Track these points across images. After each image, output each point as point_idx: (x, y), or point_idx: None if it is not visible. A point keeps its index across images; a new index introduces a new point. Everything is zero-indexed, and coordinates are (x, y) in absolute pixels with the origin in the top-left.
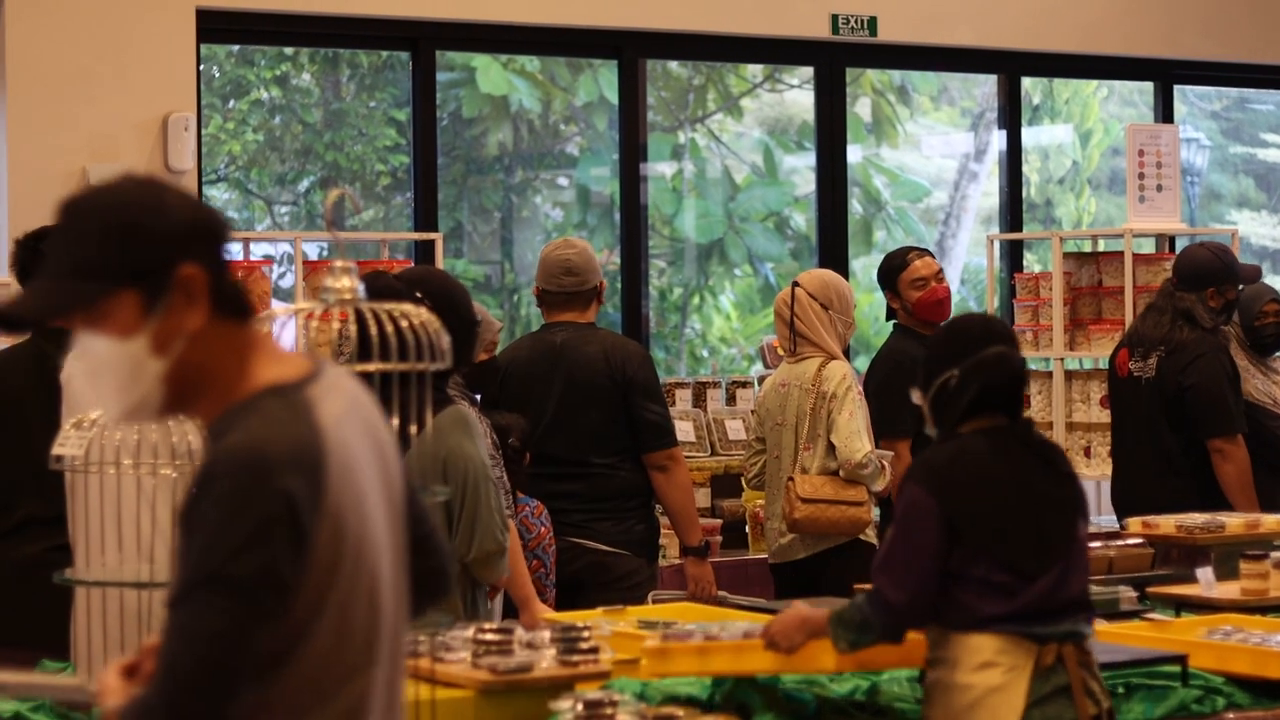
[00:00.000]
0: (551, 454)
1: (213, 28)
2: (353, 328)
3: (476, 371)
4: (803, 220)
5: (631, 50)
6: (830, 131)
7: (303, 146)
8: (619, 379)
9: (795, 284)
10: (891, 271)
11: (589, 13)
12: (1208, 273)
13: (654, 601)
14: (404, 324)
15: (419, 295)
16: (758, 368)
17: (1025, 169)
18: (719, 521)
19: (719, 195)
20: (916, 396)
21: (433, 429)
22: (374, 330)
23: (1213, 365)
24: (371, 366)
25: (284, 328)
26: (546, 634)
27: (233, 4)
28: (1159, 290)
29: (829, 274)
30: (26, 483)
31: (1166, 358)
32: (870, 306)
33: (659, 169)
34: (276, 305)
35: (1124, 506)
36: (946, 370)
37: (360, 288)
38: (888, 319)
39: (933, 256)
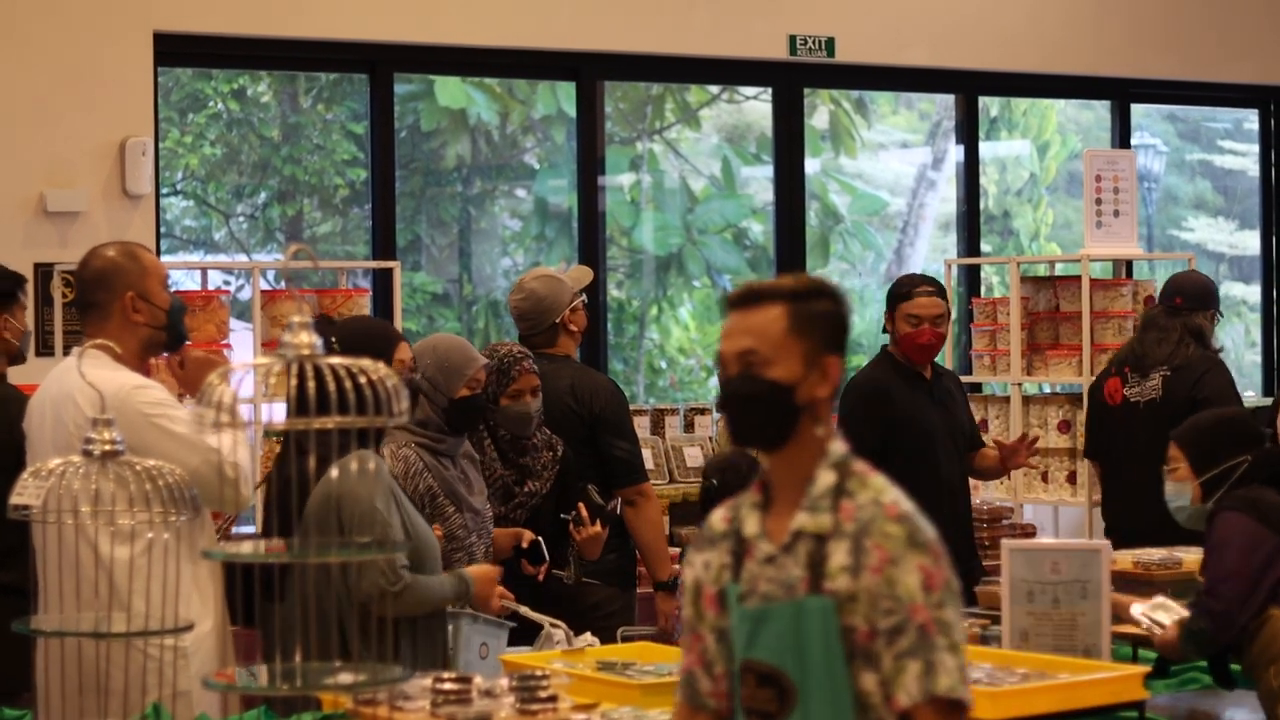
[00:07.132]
0: None
1: (170, 51)
2: (311, 383)
3: (458, 408)
4: (760, 231)
5: (589, 72)
6: (788, 149)
7: (260, 160)
8: (585, 414)
9: None
10: (896, 297)
11: (546, 35)
12: (1210, 294)
13: (622, 637)
14: (362, 379)
15: (333, 340)
16: (714, 383)
17: (983, 180)
18: (677, 550)
19: (677, 207)
20: (1195, 470)
21: (333, 472)
22: (332, 386)
23: (1223, 379)
24: (330, 422)
25: (241, 382)
26: (505, 682)
27: (190, 28)
28: (1152, 313)
29: None
30: None
31: (1173, 375)
32: None
33: (617, 181)
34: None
35: (1128, 536)
36: (1238, 454)
37: (318, 343)
38: (883, 331)
39: (943, 296)
